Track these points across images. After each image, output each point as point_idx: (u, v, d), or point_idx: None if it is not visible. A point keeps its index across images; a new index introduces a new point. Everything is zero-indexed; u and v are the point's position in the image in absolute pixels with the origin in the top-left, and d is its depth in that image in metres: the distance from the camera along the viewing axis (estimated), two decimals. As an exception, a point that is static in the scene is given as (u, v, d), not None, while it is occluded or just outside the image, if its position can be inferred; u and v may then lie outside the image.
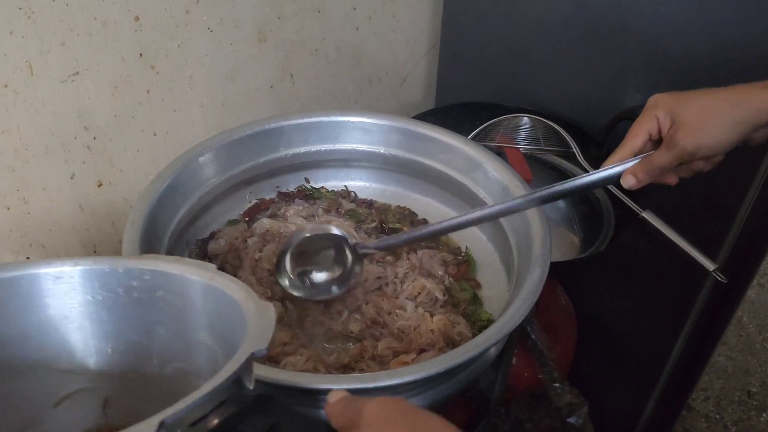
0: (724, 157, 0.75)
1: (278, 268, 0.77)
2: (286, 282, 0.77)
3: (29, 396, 0.54)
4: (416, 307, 0.76)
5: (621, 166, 0.69)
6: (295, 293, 0.76)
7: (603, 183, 0.71)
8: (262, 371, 0.56)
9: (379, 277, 0.80)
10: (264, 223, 0.86)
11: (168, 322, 0.53)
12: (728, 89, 0.65)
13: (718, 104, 0.65)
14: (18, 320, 0.52)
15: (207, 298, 0.51)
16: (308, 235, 0.77)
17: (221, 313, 0.50)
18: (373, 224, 0.90)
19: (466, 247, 0.88)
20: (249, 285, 0.79)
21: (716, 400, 1.34)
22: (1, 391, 0.53)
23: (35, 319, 0.53)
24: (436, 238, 0.89)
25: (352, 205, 0.93)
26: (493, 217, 0.77)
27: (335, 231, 0.77)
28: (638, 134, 0.68)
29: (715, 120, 0.64)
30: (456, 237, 0.90)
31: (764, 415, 1.28)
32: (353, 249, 0.76)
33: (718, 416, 1.36)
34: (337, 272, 0.77)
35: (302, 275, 0.77)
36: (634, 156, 0.69)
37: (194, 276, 0.51)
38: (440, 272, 0.82)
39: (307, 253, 0.77)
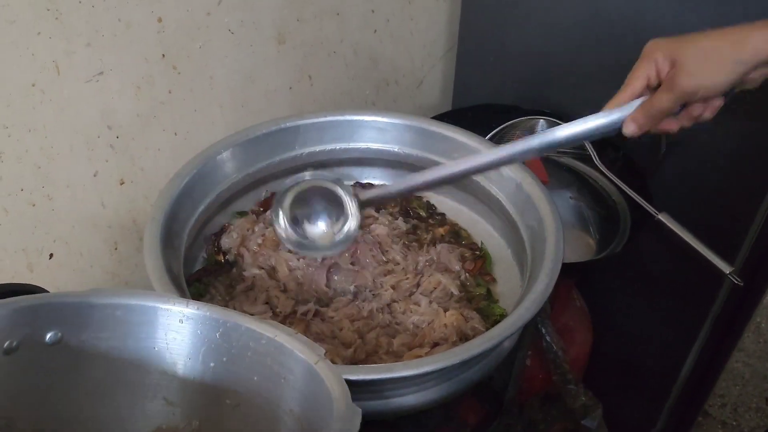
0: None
1: (275, 217, 0.73)
2: (283, 235, 0.73)
3: (128, 416, 0.60)
4: (430, 302, 0.77)
5: (620, 113, 0.67)
6: (293, 249, 0.74)
7: (604, 129, 0.68)
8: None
9: (398, 263, 0.82)
10: None
11: (267, 389, 0.57)
12: (728, 29, 0.65)
13: (717, 44, 0.65)
14: (142, 345, 0.58)
15: (307, 378, 0.54)
16: (304, 184, 0.73)
17: (316, 398, 0.53)
18: (396, 209, 0.92)
19: (482, 242, 0.89)
20: (258, 279, 0.80)
21: (733, 407, 1.32)
22: (116, 405, 0.59)
23: (156, 347, 0.59)
24: (454, 232, 0.90)
25: None
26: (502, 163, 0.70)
27: (333, 186, 0.73)
28: (637, 78, 0.68)
29: (714, 59, 0.64)
30: (470, 232, 0.91)
31: (783, 422, 1.27)
32: (353, 199, 0.72)
33: (735, 423, 1.35)
34: (336, 226, 0.73)
35: (298, 228, 0.74)
36: (633, 99, 0.68)
37: (302, 355, 0.54)
38: (457, 267, 0.83)
39: (304, 206, 0.74)
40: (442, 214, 0.93)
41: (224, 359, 0.58)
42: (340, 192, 0.72)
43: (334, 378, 0.52)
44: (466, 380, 0.68)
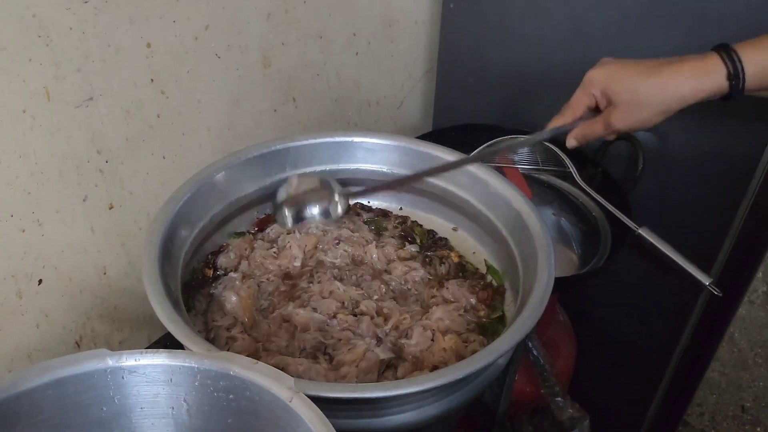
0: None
1: (278, 212, 0.80)
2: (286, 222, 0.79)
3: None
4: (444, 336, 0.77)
5: (564, 128, 0.83)
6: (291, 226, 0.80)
7: (549, 138, 0.89)
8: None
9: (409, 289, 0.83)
10: (277, 228, 0.89)
11: (245, 430, 0.54)
12: (660, 71, 0.74)
13: (648, 91, 0.74)
14: (88, 411, 0.54)
15: (285, 416, 0.51)
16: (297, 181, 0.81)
17: None
18: (398, 231, 0.93)
19: (486, 261, 0.90)
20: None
21: (711, 416, 1.35)
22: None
23: (104, 407, 0.55)
24: (460, 264, 0.91)
25: (370, 215, 0.96)
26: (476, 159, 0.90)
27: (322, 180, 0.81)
28: (578, 106, 0.82)
29: (644, 106, 0.75)
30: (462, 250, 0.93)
31: (758, 429, 1.30)
32: (342, 195, 0.80)
33: (713, 431, 1.38)
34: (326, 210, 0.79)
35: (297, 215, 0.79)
36: (574, 121, 0.82)
37: (273, 391, 0.51)
38: (473, 301, 0.84)
39: (300, 199, 0.80)
40: (446, 239, 0.94)
41: (184, 401, 0.55)
42: (331, 185, 0.81)
43: (315, 417, 0.49)
44: (464, 396, 0.69)
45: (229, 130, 1.06)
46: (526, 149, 1.17)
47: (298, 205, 0.78)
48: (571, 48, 1.16)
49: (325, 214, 0.78)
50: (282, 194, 0.80)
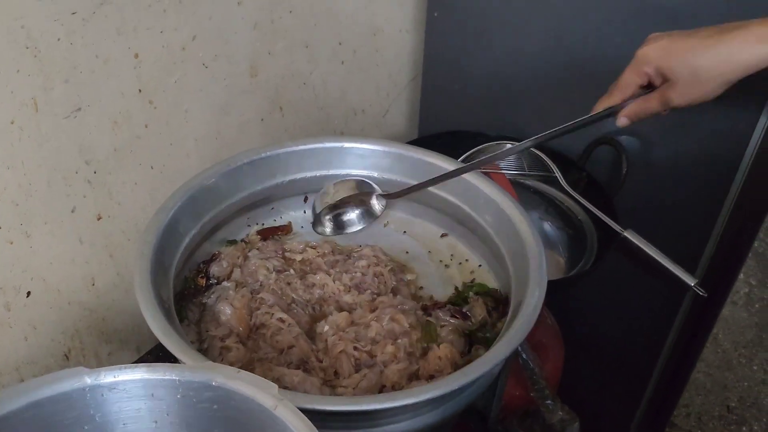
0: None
1: (317, 220, 0.89)
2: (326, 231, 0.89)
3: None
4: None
5: (614, 108, 0.80)
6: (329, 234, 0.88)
7: (599, 120, 0.82)
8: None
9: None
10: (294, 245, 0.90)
11: None
12: (720, 41, 0.70)
13: (709, 65, 0.70)
14: (75, 431, 0.54)
15: (272, 427, 0.50)
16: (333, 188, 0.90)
17: None
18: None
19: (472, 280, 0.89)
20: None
21: (697, 416, 1.37)
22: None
23: (87, 425, 0.54)
24: None
25: None
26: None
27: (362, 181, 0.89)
28: (629, 86, 0.78)
29: (705, 80, 0.71)
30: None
31: (744, 429, 1.32)
32: (378, 197, 0.88)
33: (699, 431, 1.40)
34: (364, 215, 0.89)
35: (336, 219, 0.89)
36: (624, 101, 0.79)
37: (257, 400, 0.51)
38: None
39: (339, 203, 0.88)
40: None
41: (167, 415, 0.54)
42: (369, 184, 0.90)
43: (301, 424, 0.48)
44: (458, 404, 0.69)
45: (217, 139, 1.06)
46: (512, 155, 1.18)
47: (337, 212, 0.85)
48: (554, 55, 1.18)
49: (364, 216, 0.87)
50: (319, 204, 0.88)
